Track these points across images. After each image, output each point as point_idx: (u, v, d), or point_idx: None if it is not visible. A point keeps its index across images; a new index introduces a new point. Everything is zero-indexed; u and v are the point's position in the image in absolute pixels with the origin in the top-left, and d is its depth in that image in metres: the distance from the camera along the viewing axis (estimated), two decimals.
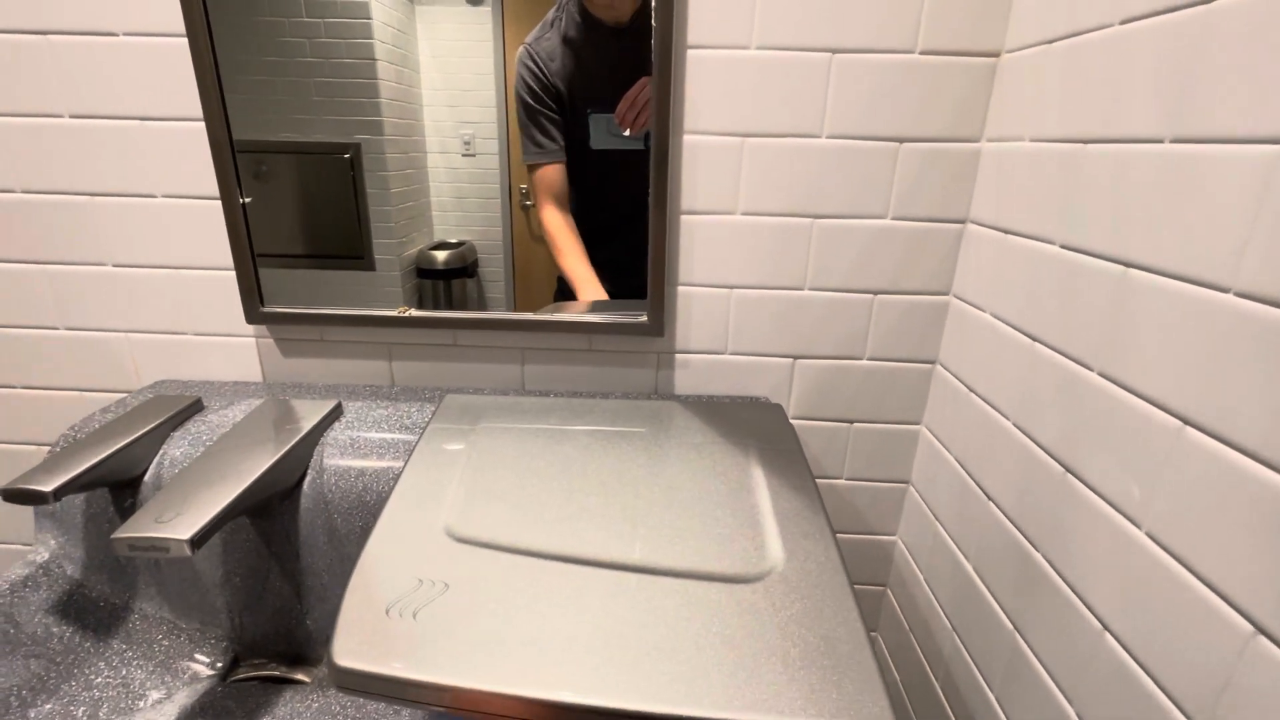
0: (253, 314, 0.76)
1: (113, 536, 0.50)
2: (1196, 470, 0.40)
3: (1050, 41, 0.57)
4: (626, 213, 0.71)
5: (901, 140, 0.68)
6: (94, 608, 0.66)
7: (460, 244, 0.78)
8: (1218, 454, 0.39)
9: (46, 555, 0.66)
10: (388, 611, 0.41)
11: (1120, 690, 0.45)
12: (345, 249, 0.76)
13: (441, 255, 0.78)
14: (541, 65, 0.69)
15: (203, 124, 0.70)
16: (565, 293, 0.78)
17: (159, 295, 0.78)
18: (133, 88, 0.69)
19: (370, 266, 0.76)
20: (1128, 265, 0.47)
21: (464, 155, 0.73)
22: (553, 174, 0.73)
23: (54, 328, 0.80)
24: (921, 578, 0.79)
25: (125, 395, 0.81)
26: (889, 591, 0.89)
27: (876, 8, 0.64)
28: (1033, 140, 0.59)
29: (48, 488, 0.56)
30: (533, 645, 0.40)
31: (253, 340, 0.80)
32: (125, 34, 0.68)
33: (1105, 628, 0.47)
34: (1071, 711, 0.50)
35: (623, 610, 0.43)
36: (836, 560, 0.47)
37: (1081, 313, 0.52)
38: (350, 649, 0.38)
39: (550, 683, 0.37)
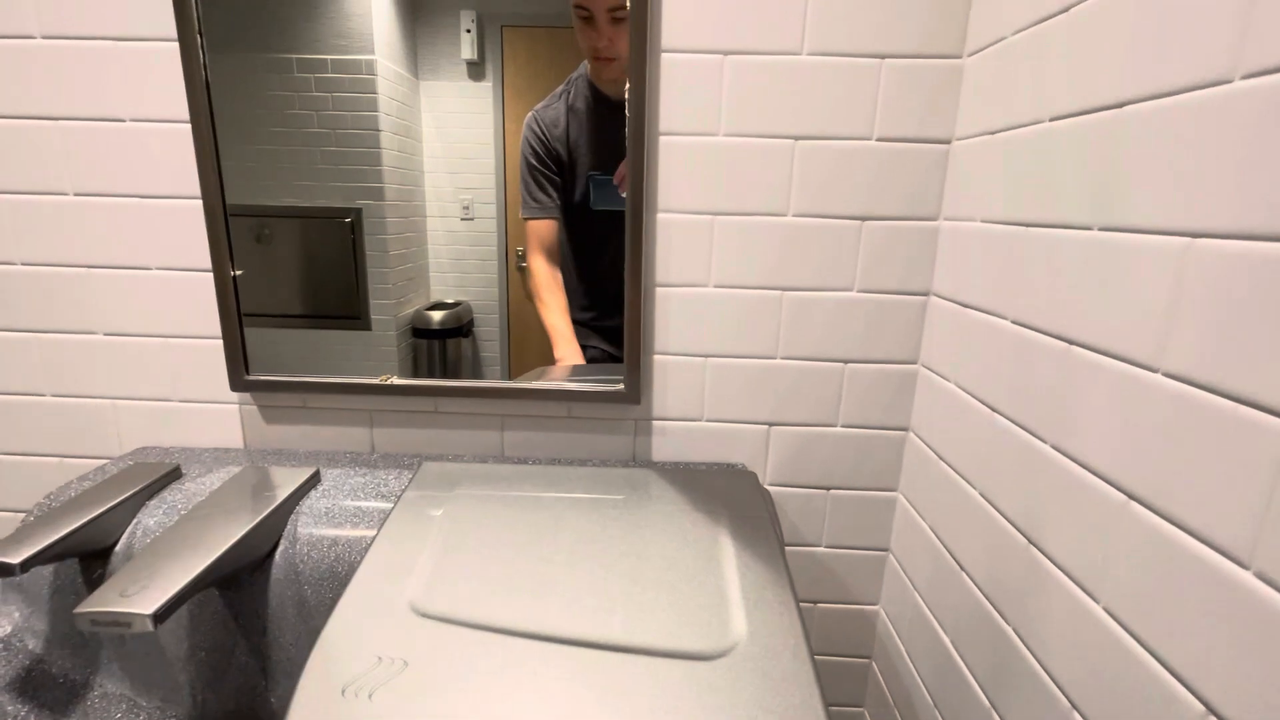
0: (237, 382, 0.78)
1: (75, 611, 0.49)
2: (1142, 545, 0.41)
3: (993, 133, 0.61)
4: (622, 271, 0.73)
5: (864, 219, 0.72)
6: (53, 684, 0.64)
7: (456, 304, 0.80)
8: (1160, 530, 0.39)
9: (9, 629, 0.65)
10: (343, 691, 0.41)
11: None
12: (342, 309, 0.78)
13: (437, 315, 0.80)
14: (545, 130, 0.73)
15: (200, 202, 0.74)
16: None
17: (146, 363, 0.79)
18: (135, 169, 0.73)
19: (366, 326, 0.79)
20: (1070, 342, 0.49)
21: (463, 219, 0.76)
22: (545, 227, 0.77)
23: (40, 394, 0.81)
24: (903, 650, 0.78)
25: (106, 462, 0.81)
26: (874, 664, 0.87)
27: (834, 101, 0.69)
28: (983, 221, 0.63)
29: (15, 560, 0.56)
30: None
31: (236, 407, 0.81)
32: (132, 120, 0.72)
33: (1074, 707, 0.47)
34: None
35: (585, 690, 0.42)
36: (799, 635, 0.47)
37: (1033, 386, 0.54)
38: None
39: None
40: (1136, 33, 0.43)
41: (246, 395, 0.81)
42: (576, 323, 0.79)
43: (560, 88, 0.73)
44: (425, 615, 0.48)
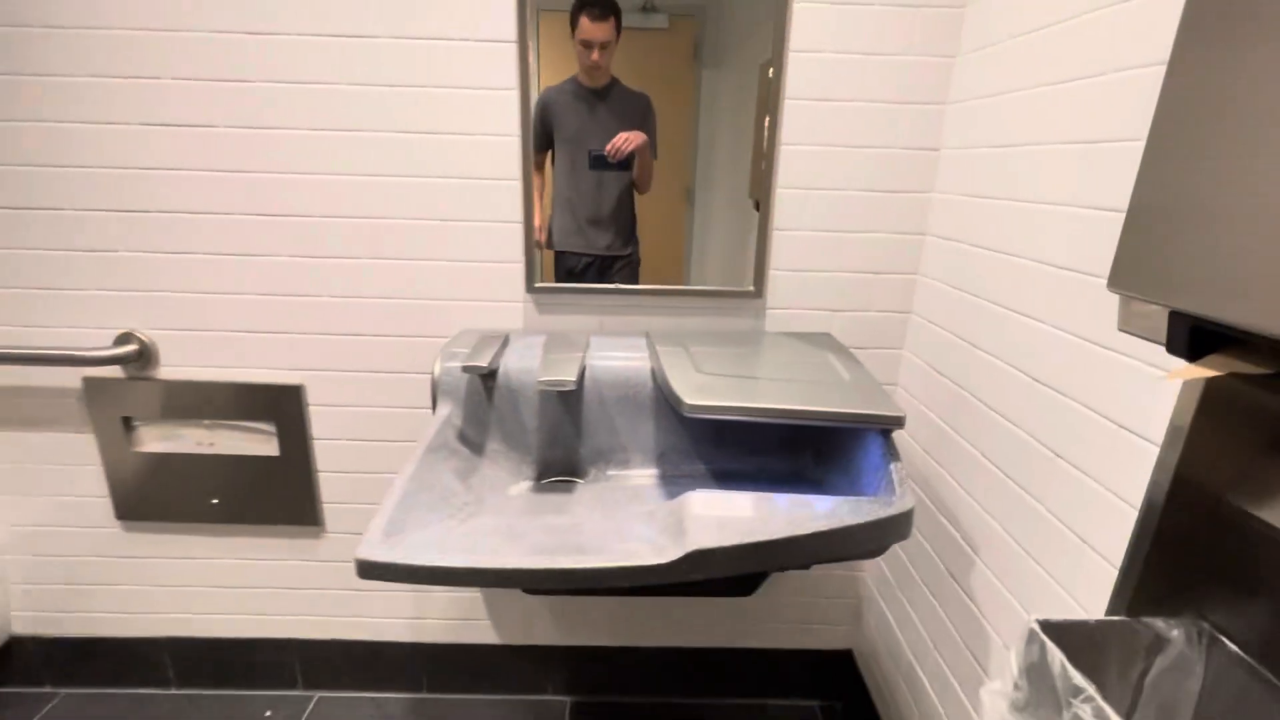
0: (531, 287, 1.34)
1: (538, 379, 1.07)
2: (1030, 340, 1.01)
3: (958, 148, 1.20)
4: (601, 195, 1.30)
5: (891, 191, 1.30)
6: (471, 443, 1.21)
7: None
8: (1032, 326, 1.00)
9: (447, 411, 1.21)
10: (699, 390, 0.99)
11: (1012, 441, 1.06)
12: None
13: None
14: (544, 108, 1.25)
15: (519, 183, 1.28)
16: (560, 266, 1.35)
17: (473, 279, 1.34)
18: (481, 164, 1.27)
19: None
20: (994, 250, 1.09)
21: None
22: (541, 158, 1.30)
23: (412, 298, 1.36)
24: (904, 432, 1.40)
25: (447, 338, 1.37)
26: None
27: (878, 126, 1.26)
28: (954, 194, 1.22)
29: (487, 365, 1.12)
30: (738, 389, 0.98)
31: (520, 305, 1.37)
32: (480, 134, 1.26)
33: (997, 413, 1.08)
34: (979, 455, 1.11)
35: (775, 402, 1.02)
36: (876, 379, 1.07)
37: (978, 275, 1.13)
38: (691, 399, 0.96)
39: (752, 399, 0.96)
40: (1025, 111, 1.02)
41: (529, 297, 1.37)
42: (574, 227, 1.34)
43: (558, 84, 1.25)
44: (706, 373, 1.07)
